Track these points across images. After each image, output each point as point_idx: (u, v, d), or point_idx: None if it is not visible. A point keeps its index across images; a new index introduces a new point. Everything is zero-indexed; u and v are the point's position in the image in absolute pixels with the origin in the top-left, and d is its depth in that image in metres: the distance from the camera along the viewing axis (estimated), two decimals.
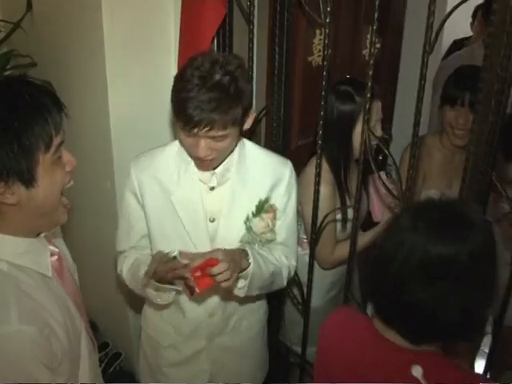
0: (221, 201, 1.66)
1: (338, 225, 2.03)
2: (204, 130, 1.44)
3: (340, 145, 1.95)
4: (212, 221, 1.67)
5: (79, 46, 2.16)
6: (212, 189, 1.66)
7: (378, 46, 2.88)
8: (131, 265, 1.74)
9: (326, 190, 1.93)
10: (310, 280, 2.00)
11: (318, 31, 2.53)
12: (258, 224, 1.68)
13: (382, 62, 3.02)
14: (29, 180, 1.14)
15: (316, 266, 2.06)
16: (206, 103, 1.41)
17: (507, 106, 1.42)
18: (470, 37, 3.63)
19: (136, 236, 1.76)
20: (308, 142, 2.53)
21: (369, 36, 2.83)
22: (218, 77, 1.43)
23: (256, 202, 1.67)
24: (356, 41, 2.85)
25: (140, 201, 1.70)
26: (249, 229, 1.68)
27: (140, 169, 1.68)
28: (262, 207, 1.67)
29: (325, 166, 1.93)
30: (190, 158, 1.62)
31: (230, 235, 1.68)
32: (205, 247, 1.62)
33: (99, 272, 2.60)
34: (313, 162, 1.93)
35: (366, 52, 2.92)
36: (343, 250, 1.97)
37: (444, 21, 1.44)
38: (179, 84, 1.47)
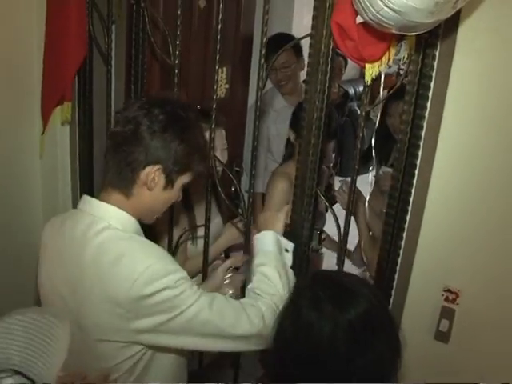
0: None
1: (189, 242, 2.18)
2: None
3: None
4: None
5: None
6: None
7: (226, 86, 3.19)
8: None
9: None
10: None
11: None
12: None
13: (231, 101, 3.29)
14: None
15: None
16: None
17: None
18: None
19: None
20: None
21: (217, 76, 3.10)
22: None
23: None
24: (208, 80, 3.08)
25: None
26: None
27: None
28: None
29: None
30: None
31: None
32: None
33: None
34: None
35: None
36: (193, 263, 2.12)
37: (273, 62, 1.75)
38: None
